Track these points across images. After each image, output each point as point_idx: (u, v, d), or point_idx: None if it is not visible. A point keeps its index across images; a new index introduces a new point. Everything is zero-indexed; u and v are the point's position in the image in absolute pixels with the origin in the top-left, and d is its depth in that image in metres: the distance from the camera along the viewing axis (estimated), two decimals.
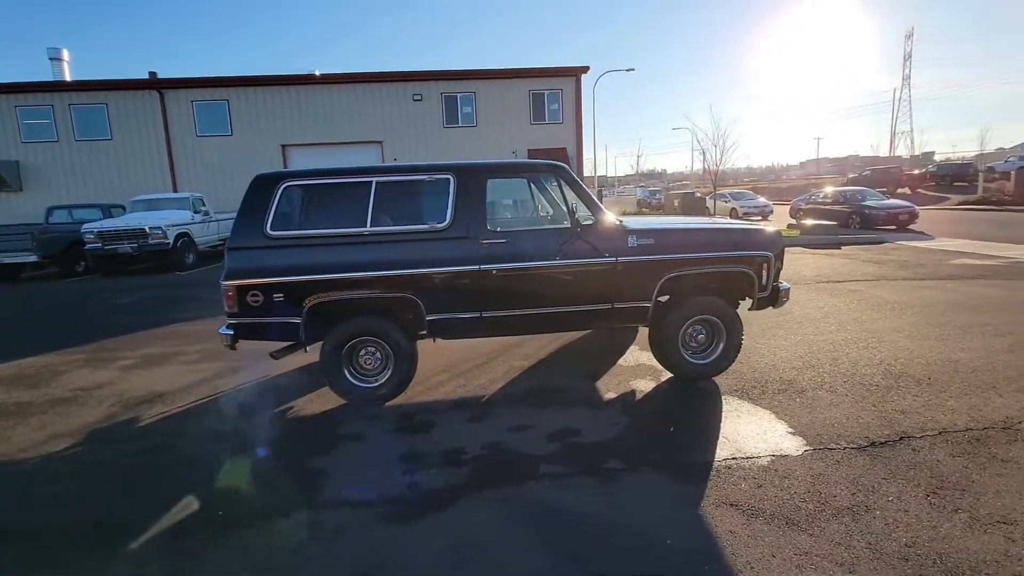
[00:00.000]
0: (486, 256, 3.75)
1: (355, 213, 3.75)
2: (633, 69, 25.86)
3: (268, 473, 3.11)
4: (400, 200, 3.88)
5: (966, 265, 9.15)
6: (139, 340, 6.20)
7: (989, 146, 59.48)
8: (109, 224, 11.59)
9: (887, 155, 71.86)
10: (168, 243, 11.57)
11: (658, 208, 30.72)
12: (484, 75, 20.05)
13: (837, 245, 12.75)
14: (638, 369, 4.51)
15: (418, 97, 19.52)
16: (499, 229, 3.87)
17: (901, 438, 3.12)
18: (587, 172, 24.41)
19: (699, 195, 25.51)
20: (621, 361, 4.74)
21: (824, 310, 6.24)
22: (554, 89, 20.17)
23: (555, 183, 4.07)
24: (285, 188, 3.74)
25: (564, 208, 4.02)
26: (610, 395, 3.98)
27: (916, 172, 35.03)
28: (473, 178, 3.82)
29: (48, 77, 20.02)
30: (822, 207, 18.27)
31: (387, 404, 3.93)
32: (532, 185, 5.10)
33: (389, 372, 3.89)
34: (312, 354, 4.36)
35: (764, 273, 4.02)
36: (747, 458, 2.98)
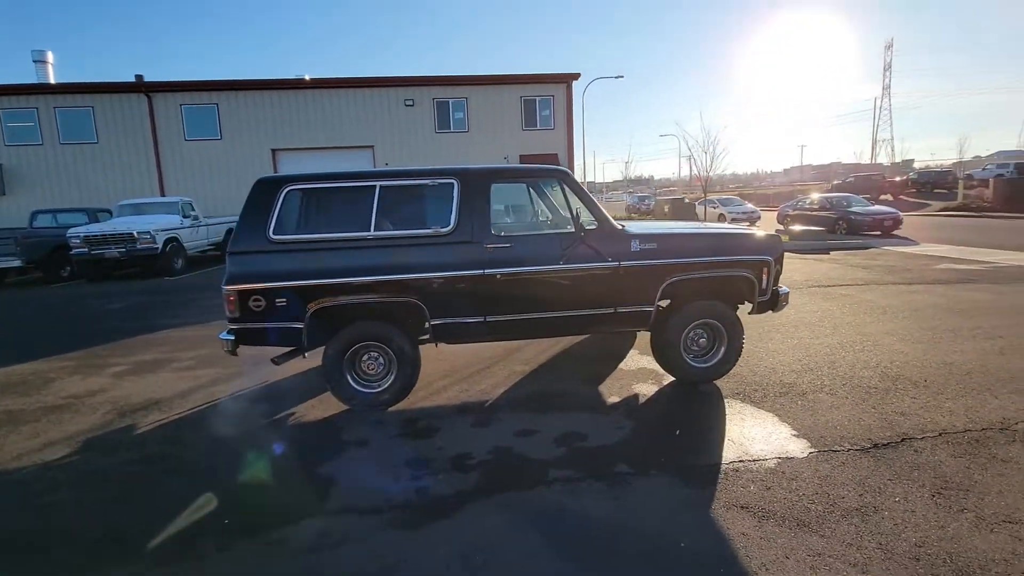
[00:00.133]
0: (490, 260, 3.74)
1: (358, 217, 3.73)
2: (622, 76, 26.14)
3: (273, 480, 3.07)
4: (404, 204, 3.87)
5: (951, 270, 9.34)
6: (130, 346, 6.08)
7: (967, 154, 60.98)
8: (96, 228, 11.38)
9: (868, 163, 73.34)
10: (157, 248, 11.39)
11: (648, 214, 30.96)
12: (476, 81, 20.11)
13: (825, 250, 12.94)
14: (639, 373, 4.53)
15: (410, 102, 19.51)
16: (503, 233, 3.88)
17: (903, 439, 3.17)
18: (577, 178, 24.52)
19: (688, 201, 25.76)
20: (622, 365, 4.76)
21: (818, 314, 6.32)
22: (545, 95, 20.30)
23: (558, 188, 4.09)
24: (288, 192, 3.71)
25: (567, 213, 4.04)
26: (613, 399, 3.99)
27: (898, 179, 35.83)
28: (477, 182, 3.82)
29: (32, 80, 19.70)
30: (809, 213, 18.54)
31: (390, 409, 3.89)
32: (532, 190, 5.13)
33: (392, 377, 3.86)
34: (310, 360, 4.34)
35: (764, 277, 4.07)
36: (754, 461, 3.00)
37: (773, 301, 4.18)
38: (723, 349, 4.11)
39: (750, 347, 4.96)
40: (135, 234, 11.13)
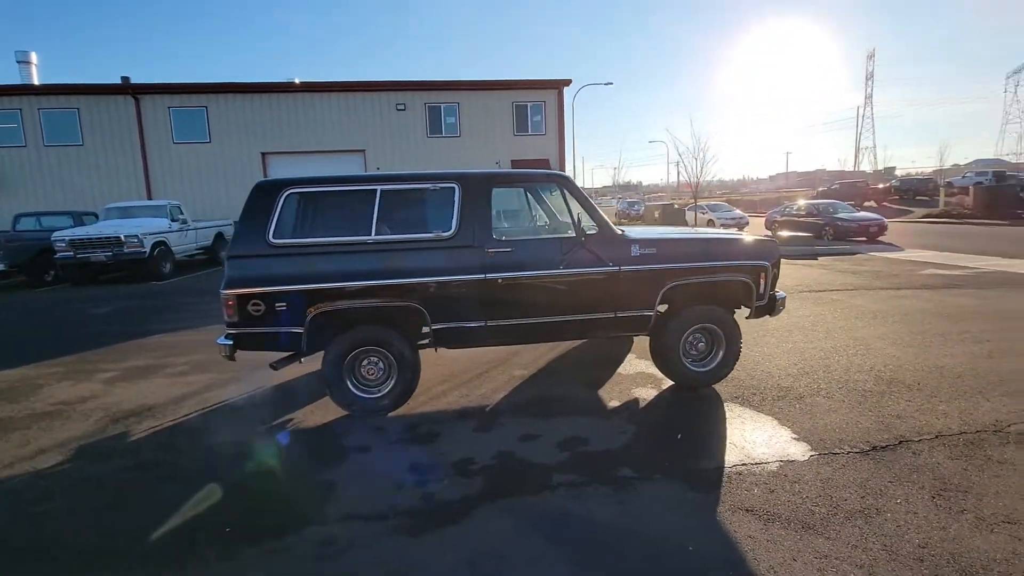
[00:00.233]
0: (492, 265, 3.75)
1: (359, 221, 3.71)
2: (611, 83, 26.40)
3: (274, 487, 3.03)
4: (405, 208, 3.86)
5: (937, 275, 9.52)
6: (121, 351, 5.98)
7: (946, 162, 62.40)
8: (82, 232, 11.17)
9: (851, 169, 74.72)
10: (144, 252, 11.22)
11: (638, 219, 31.19)
12: (468, 86, 20.16)
13: (814, 256, 13.12)
14: (638, 377, 4.55)
15: (401, 107, 19.50)
16: (504, 238, 3.88)
17: (900, 442, 3.22)
18: None
19: (678, 207, 26.01)
20: (620, 370, 4.77)
21: (811, 318, 6.40)
22: (537, 101, 20.40)
23: (558, 192, 4.10)
24: (288, 195, 3.68)
25: (565, 217, 4.06)
26: (614, 403, 4.00)
27: (881, 186, 36.56)
28: (479, 187, 3.83)
29: (16, 81, 19.36)
30: (796, 219, 18.83)
31: (390, 415, 3.87)
32: (529, 195, 5.14)
33: (392, 382, 3.84)
34: (306, 365, 4.30)
35: (762, 282, 4.12)
36: (756, 464, 3.03)
37: (770, 306, 4.23)
38: (721, 353, 4.15)
39: (746, 351, 5.00)
40: (122, 238, 10.95)
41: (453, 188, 3.81)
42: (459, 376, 4.72)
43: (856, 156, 79.96)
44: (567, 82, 20.59)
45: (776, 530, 2.43)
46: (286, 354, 3.89)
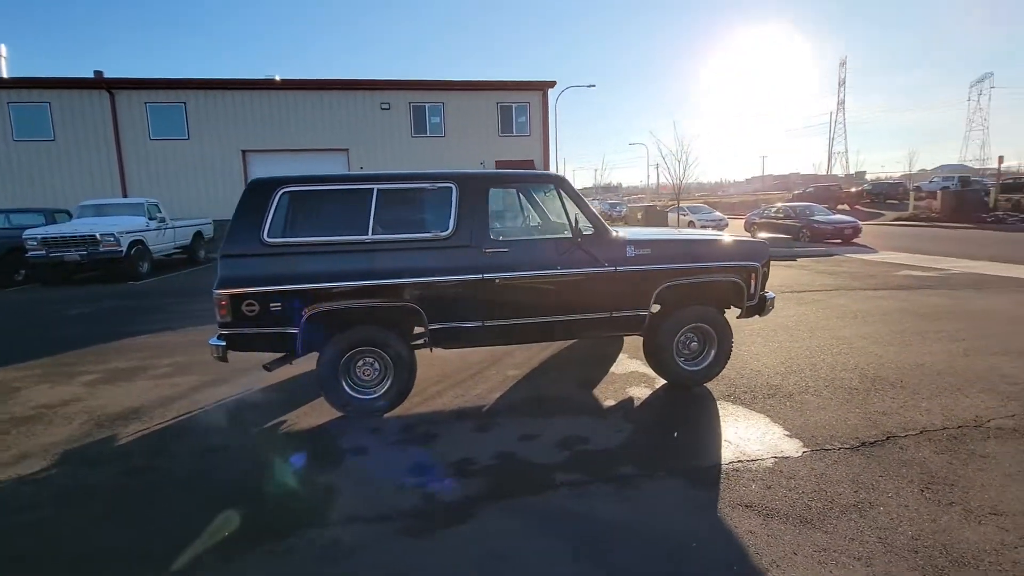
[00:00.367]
0: (489, 265, 3.75)
1: (356, 221, 3.68)
2: (594, 85, 26.57)
3: (272, 490, 2.98)
4: (402, 208, 3.84)
5: (911, 276, 9.84)
6: (100, 353, 5.80)
7: (914, 167, 64.51)
8: (54, 230, 10.80)
9: (824, 173, 76.73)
10: (121, 251, 10.90)
11: (621, 220, 31.49)
12: (452, 86, 20.10)
13: (793, 257, 13.43)
14: (631, 377, 4.60)
15: (386, 106, 19.34)
16: (501, 238, 3.89)
17: (888, 438, 3.32)
18: None
19: (660, 208, 26.34)
20: (613, 369, 4.82)
21: (794, 318, 6.56)
22: (521, 102, 20.46)
23: (554, 193, 4.13)
24: (283, 194, 3.63)
25: (562, 218, 4.09)
26: (609, 402, 4.04)
27: (854, 190, 37.62)
28: (476, 187, 3.83)
29: None
30: (775, 221, 19.24)
31: (385, 416, 3.84)
32: (521, 196, 5.16)
33: (388, 383, 3.81)
34: (294, 367, 4.23)
35: (752, 282, 4.21)
36: (751, 460, 3.09)
37: (760, 305, 4.32)
38: (713, 352, 4.22)
39: (734, 351, 5.09)
40: (97, 236, 10.62)
41: (451, 188, 3.80)
42: (453, 376, 4.71)
43: (829, 160, 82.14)
44: (552, 83, 20.69)
45: (776, 525, 2.49)
46: (280, 355, 3.83)
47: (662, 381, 4.36)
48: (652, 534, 2.46)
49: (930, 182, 39.51)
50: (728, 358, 4.28)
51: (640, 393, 4.21)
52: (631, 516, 2.60)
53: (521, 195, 5.13)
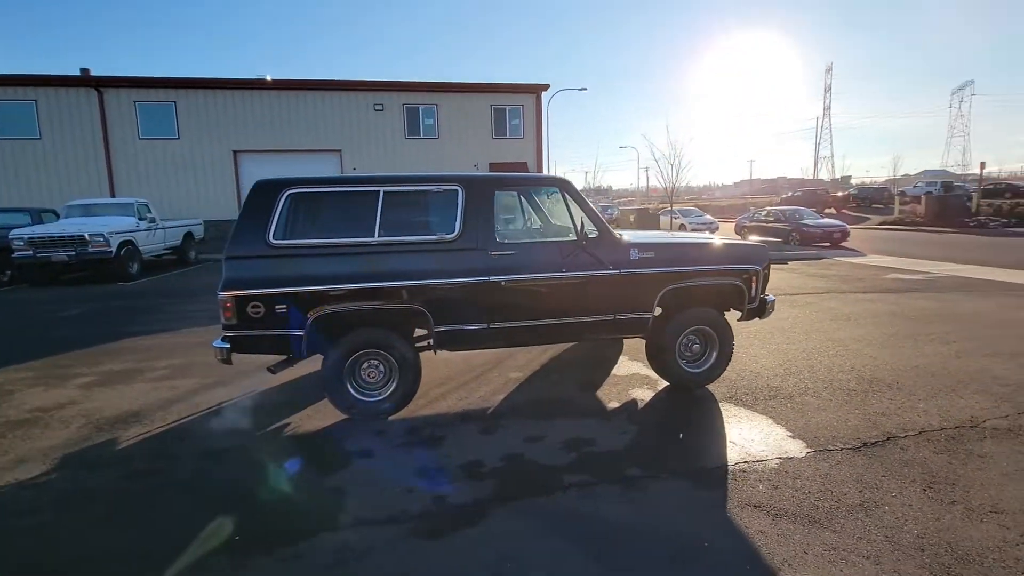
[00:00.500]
0: (495, 267, 3.76)
1: (362, 223, 3.67)
2: (585, 89, 26.73)
3: (279, 494, 2.96)
4: (407, 210, 3.84)
5: (899, 280, 10.02)
6: (94, 355, 5.71)
7: (898, 172, 65.69)
8: (42, 230, 10.61)
9: (811, 178, 77.86)
10: (110, 252, 10.74)
11: (613, 222, 31.68)
12: (446, 88, 20.09)
13: (784, 260, 13.61)
14: (633, 379, 4.63)
15: (379, 107, 19.26)
16: (506, 241, 3.91)
17: (888, 438, 3.38)
18: None
19: (652, 211, 26.53)
20: (615, 371, 4.85)
21: (789, 321, 6.65)
22: (515, 105, 20.50)
23: (558, 196, 4.15)
24: (288, 195, 3.61)
25: (565, 221, 4.11)
26: (613, 404, 4.07)
27: (840, 194, 38.23)
28: (482, 189, 3.84)
29: None
30: (765, 225, 19.47)
31: (390, 419, 3.83)
32: (523, 198, 5.17)
33: (393, 385, 3.80)
34: (296, 369, 4.20)
35: (753, 285, 4.27)
36: (757, 461, 3.13)
37: (760, 308, 4.38)
38: (715, 354, 4.27)
39: (733, 353, 5.16)
40: (86, 236, 10.45)
41: (457, 190, 3.81)
42: (455, 379, 4.71)
43: (815, 165, 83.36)
44: (545, 87, 20.78)
45: (785, 525, 2.52)
46: (284, 357, 3.80)
47: (664, 383, 4.40)
48: (663, 535, 2.48)
49: (914, 187, 40.26)
50: (729, 360, 4.33)
51: (643, 395, 4.24)
52: (641, 517, 2.62)
53: (522, 198, 5.15)
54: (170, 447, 3.52)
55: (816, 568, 2.22)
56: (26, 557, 2.44)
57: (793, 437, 3.42)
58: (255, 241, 3.53)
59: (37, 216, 12.19)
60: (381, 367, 3.82)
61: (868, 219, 29.58)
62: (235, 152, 18.44)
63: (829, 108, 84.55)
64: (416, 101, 19.73)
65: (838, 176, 78.62)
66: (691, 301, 4.25)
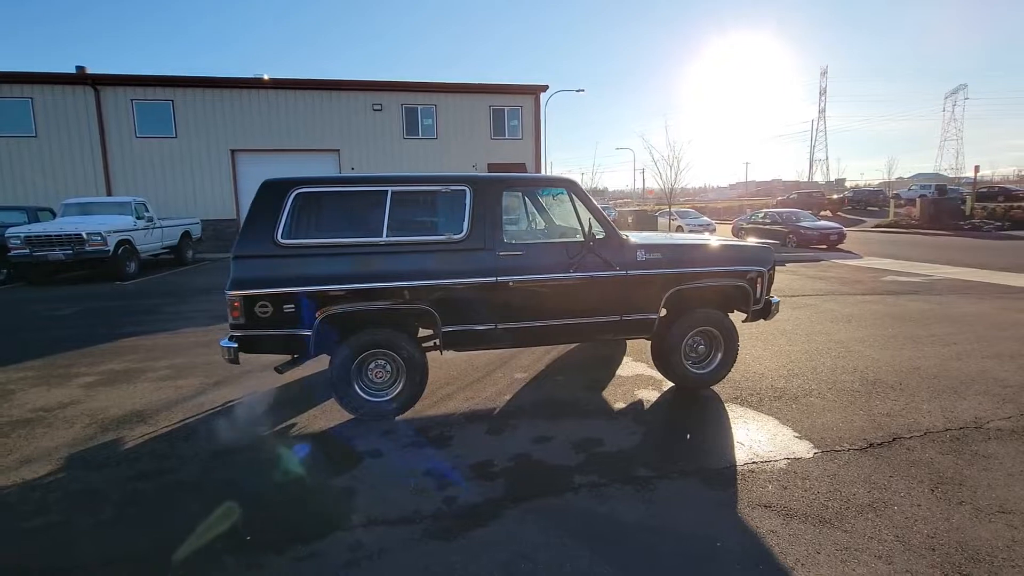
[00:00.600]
0: (503, 268, 3.77)
1: (370, 222, 3.67)
2: (583, 90, 26.75)
3: (290, 494, 2.95)
4: (416, 210, 3.85)
5: (896, 282, 10.09)
6: (94, 355, 5.68)
7: (892, 175, 66.21)
8: (39, 228, 10.54)
9: (806, 180, 78.36)
10: (108, 250, 10.67)
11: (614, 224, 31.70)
12: (445, 88, 20.08)
13: (782, 263, 13.67)
14: (638, 379, 4.65)
15: (378, 107, 19.22)
16: (514, 241, 3.91)
17: (894, 439, 3.41)
18: None
19: (649, 212, 26.61)
20: (620, 372, 4.87)
21: (791, 323, 6.68)
22: (514, 106, 20.51)
23: (566, 197, 4.16)
24: (296, 195, 3.60)
25: (571, 222, 4.13)
26: (619, 405, 4.08)
27: (836, 196, 38.49)
28: (490, 190, 3.85)
29: None
30: (762, 227, 19.55)
31: (397, 419, 3.82)
32: (526, 199, 5.18)
33: (401, 385, 3.80)
34: (299, 369, 4.19)
35: (758, 287, 4.29)
36: (765, 462, 3.15)
37: (765, 310, 4.40)
38: (720, 355, 4.29)
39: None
40: (84, 235, 10.39)
41: (464, 191, 3.81)
42: (460, 379, 4.70)
43: (810, 167, 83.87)
44: (544, 87, 20.80)
45: (796, 525, 2.54)
46: (291, 357, 3.79)
47: (669, 384, 4.42)
48: (675, 535, 2.49)
49: (909, 190, 40.60)
50: (734, 361, 4.35)
51: (649, 396, 4.26)
52: (652, 517, 2.63)
53: (526, 198, 5.15)
54: (177, 447, 3.50)
55: (829, 568, 2.24)
56: (39, 559, 2.42)
57: (800, 438, 3.44)
58: (263, 240, 3.52)
59: (33, 214, 12.10)
60: (388, 367, 3.81)
61: (863, 222, 29.77)
62: (233, 151, 18.35)
63: (824, 111, 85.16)
64: (415, 101, 19.70)
65: (832, 179, 79.17)
66: (697, 302, 4.27)
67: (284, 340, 3.59)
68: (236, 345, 3.53)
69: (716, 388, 4.33)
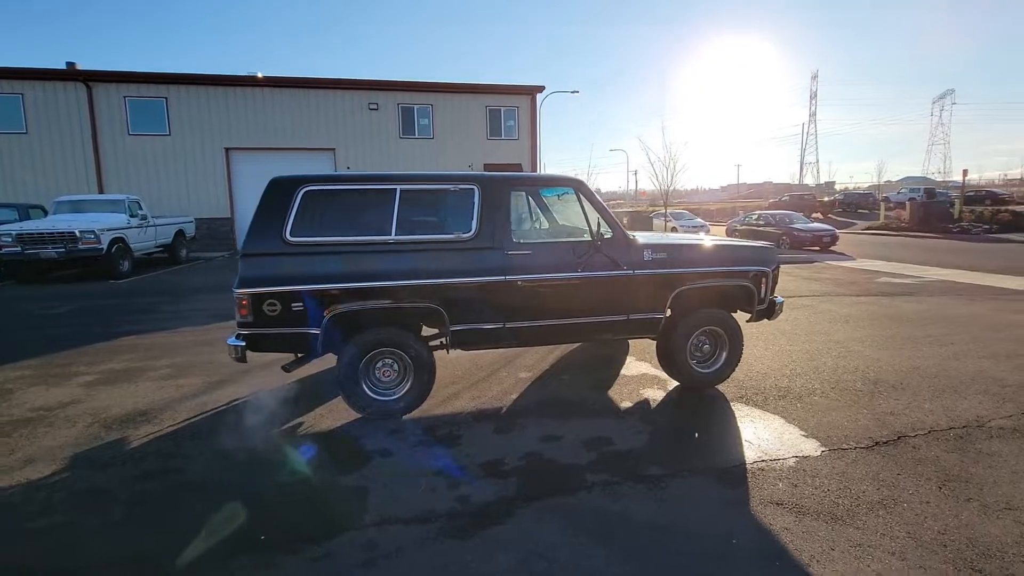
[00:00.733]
0: (511, 267, 3.77)
1: (379, 221, 3.66)
2: (578, 91, 26.80)
3: (300, 493, 2.93)
4: (424, 209, 3.83)
5: (890, 283, 10.21)
6: (93, 353, 5.61)
7: (885, 179, 67.07)
8: (31, 226, 10.39)
9: (796, 183, 79.12)
10: (101, 248, 10.54)
11: None
12: (441, 88, 20.05)
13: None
14: (642, 379, 4.67)
15: (374, 106, 19.14)
16: (522, 240, 3.92)
17: (899, 437, 3.45)
18: None
19: (645, 214, 26.72)
20: (624, 371, 4.88)
21: (789, 323, 6.74)
22: (510, 106, 20.52)
23: (573, 196, 4.17)
24: (305, 193, 3.58)
25: (577, 221, 4.14)
26: (626, 404, 4.09)
27: (827, 199, 38.89)
28: (498, 189, 3.85)
29: None
30: (756, 228, 19.69)
31: (404, 418, 3.81)
32: (530, 198, 5.18)
33: (408, 384, 3.79)
34: (303, 368, 4.16)
35: (763, 287, 4.32)
36: (774, 460, 3.17)
37: (770, 310, 4.44)
38: (724, 355, 4.32)
39: None
40: (77, 233, 10.26)
41: (473, 190, 3.81)
42: (465, 379, 4.70)
43: (801, 170, 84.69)
44: (540, 88, 20.84)
45: (809, 522, 2.56)
46: (298, 355, 3.77)
47: (673, 383, 4.44)
48: (690, 532, 2.50)
49: (898, 193, 41.10)
50: (739, 361, 4.38)
51: (654, 395, 4.28)
52: (666, 515, 2.65)
53: (530, 198, 5.16)
54: (183, 447, 3.46)
55: (844, 564, 2.26)
56: (45, 559, 2.38)
57: (807, 436, 3.47)
58: (271, 238, 3.50)
59: (24, 212, 11.94)
60: (396, 366, 3.80)
61: (854, 224, 30.09)
62: (227, 149, 18.19)
63: (815, 114, 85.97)
64: (411, 101, 19.65)
65: (823, 181, 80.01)
66: (702, 302, 4.29)
67: (292, 338, 3.57)
68: (243, 343, 3.50)
69: (720, 387, 4.36)
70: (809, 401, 4.08)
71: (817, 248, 17.30)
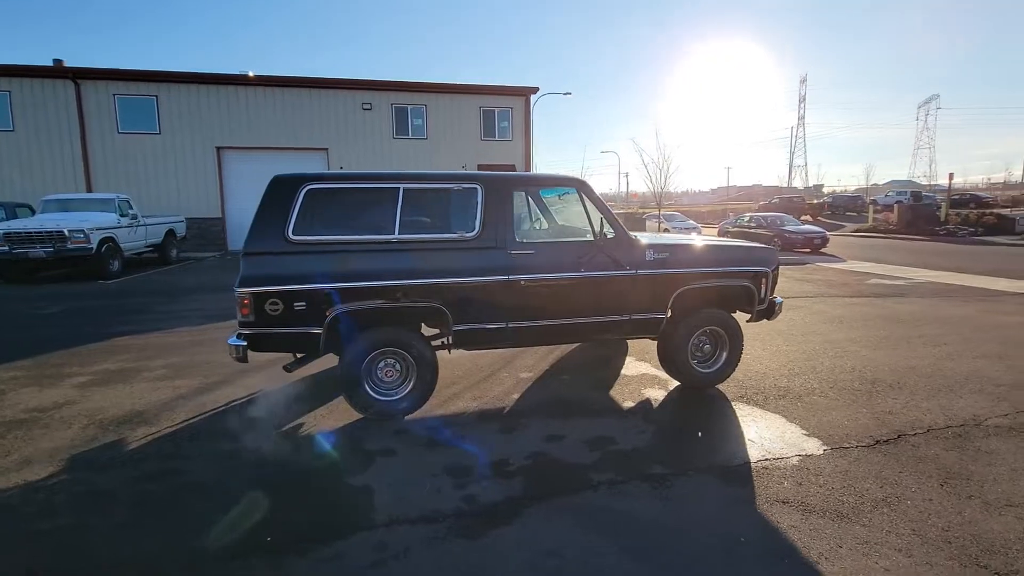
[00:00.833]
0: (515, 266, 3.77)
1: (382, 220, 3.64)
2: (570, 93, 26.90)
3: (306, 493, 2.90)
4: (427, 208, 3.82)
5: (880, 285, 10.33)
6: (85, 354, 5.52)
7: (871, 182, 67.98)
8: (19, 225, 10.22)
9: (785, 186, 79.96)
10: (90, 248, 10.38)
11: None
12: (435, 88, 20.01)
13: None
14: (643, 379, 4.68)
15: (367, 106, 19.05)
16: (526, 240, 3.91)
17: (899, 436, 3.49)
18: None
19: (637, 216, 26.85)
20: (624, 371, 4.89)
21: (785, 323, 6.79)
22: (504, 107, 20.52)
23: (576, 196, 4.18)
24: (308, 191, 3.55)
25: (573, 221, 4.15)
26: (628, 403, 4.10)
27: (816, 201, 39.38)
28: (501, 189, 3.85)
29: None
30: (748, 230, 19.84)
31: (406, 418, 3.79)
32: (531, 199, 5.19)
33: (411, 384, 3.77)
34: (303, 368, 4.13)
35: (763, 287, 4.36)
36: (777, 459, 3.20)
37: (769, 310, 4.48)
38: (725, 355, 4.34)
39: None
40: (66, 232, 10.10)
41: (476, 189, 3.81)
42: (465, 379, 4.68)
43: (790, 173, 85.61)
44: (534, 89, 20.86)
45: (815, 520, 2.58)
46: (300, 355, 3.74)
47: (674, 383, 4.46)
48: (698, 531, 2.51)
49: (885, 196, 41.69)
50: (739, 361, 4.41)
51: (655, 394, 4.29)
52: (672, 514, 2.65)
53: (531, 198, 5.16)
54: (183, 448, 3.42)
55: (852, 561, 2.28)
56: (46, 561, 2.34)
57: (809, 435, 3.50)
58: (273, 237, 3.47)
59: (12, 211, 11.73)
60: (398, 366, 3.78)
61: (843, 226, 30.46)
62: (218, 149, 18.00)
63: (803, 117, 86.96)
64: (405, 101, 19.58)
65: (811, 184, 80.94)
66: (703, 302, 4.32)
67: (294, 338, 3.53)
68: (245, 343, 3.46)
69: (721, 387, 4.38)
70: (809, 400, 4.12)
71: (808, 250, 17.48)
